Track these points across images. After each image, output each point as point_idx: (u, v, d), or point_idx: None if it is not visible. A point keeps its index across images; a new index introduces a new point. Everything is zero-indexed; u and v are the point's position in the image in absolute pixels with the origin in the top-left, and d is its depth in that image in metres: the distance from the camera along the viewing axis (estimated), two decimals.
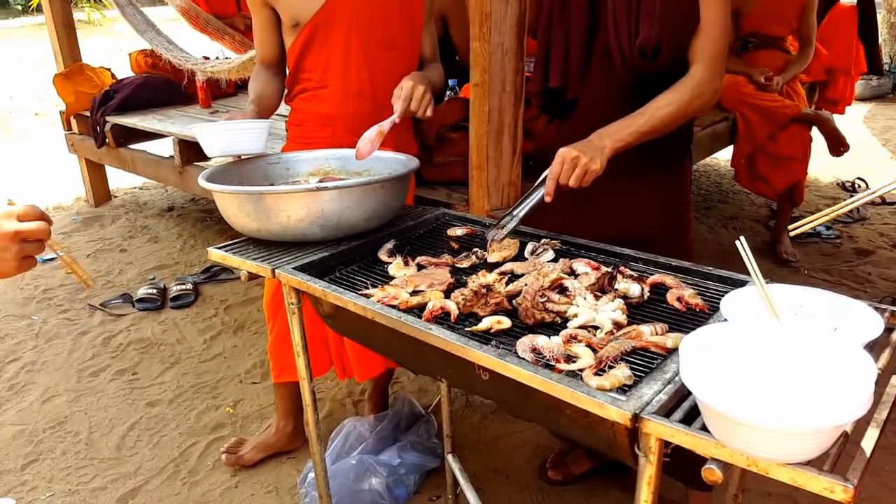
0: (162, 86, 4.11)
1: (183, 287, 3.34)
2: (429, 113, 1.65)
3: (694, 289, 1.19)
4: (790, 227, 0.91)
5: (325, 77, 1.79)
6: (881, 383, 0.85)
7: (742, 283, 1.20)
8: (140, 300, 3.26)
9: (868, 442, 0.77)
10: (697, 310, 1.13)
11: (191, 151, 3.43)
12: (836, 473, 0.71)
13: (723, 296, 1.18)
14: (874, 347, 0.92)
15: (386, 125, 1.58)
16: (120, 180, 5.10)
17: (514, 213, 1.38)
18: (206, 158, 3.50)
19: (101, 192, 4.74)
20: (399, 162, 1.61)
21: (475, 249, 1.41)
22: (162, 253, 3.92)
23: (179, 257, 3.85)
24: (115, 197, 4.91)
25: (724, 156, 4.55)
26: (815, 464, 0.73)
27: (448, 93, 2.69)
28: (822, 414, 0.68)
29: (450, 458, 1.83)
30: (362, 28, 1.75)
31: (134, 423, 2.40)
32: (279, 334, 1.95)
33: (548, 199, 1.36)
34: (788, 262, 3.46)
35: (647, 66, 1.44)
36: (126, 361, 2.80)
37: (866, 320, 0.93)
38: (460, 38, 2.86)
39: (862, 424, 0.78)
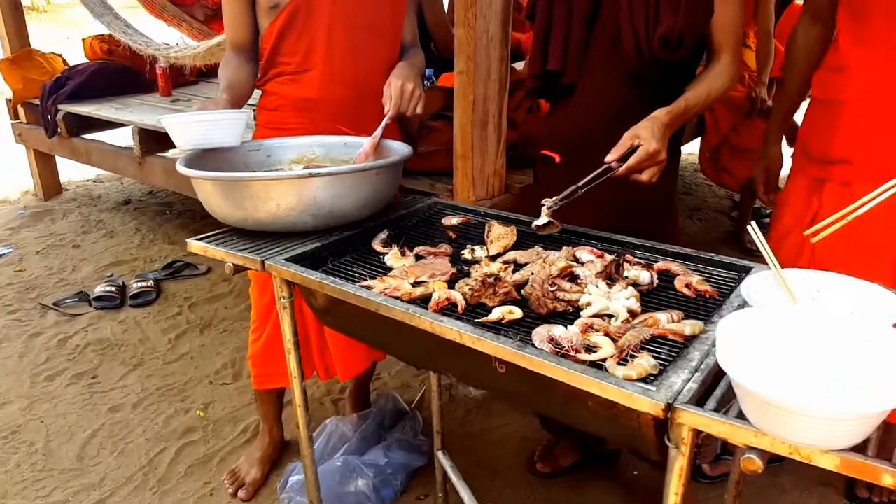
0: (119, 72, 3.91)
1: (144, 284, 3.18)
2: (419, 110, 1.61)
3: (700, 275, 1.18)
4: (806, 232, 0.90)
5: (305, 61, 1.71)
6: None
7: (745, 269, 1.20)
8: (97, 298, 3.08)
9: None
10: (707, 296, 1.12)
11: (151, 141, 3.27)
12: (882, 458, 0.70)
13: (727, 282, 1.18)
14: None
15: (378, 133, 1.54)
16: (71, 172, 4.84)
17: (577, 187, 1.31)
18: (167, 149, 3.35)
19: (50, 184, 4.49)
20: (391, 148, 1.54)
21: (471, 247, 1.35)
22: (119, 248, 3.72)
23: (138, 253, 3.67)
24: (67, 190, 4.65)
25: (684, 149, 4.61)
26: (857, 449, 0.71)
27: (425, 83, 2.63)
28: (870, 399, 0.66)
29: (440, 454, 1.78)
30: (345, 10, 1.68)
31: (96, 430, 2.26)
32: (269, 339, 1.82)
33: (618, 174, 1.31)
34: (752, 252, 3.54)
35: (669, 56, 1.45)
36: (84, 364, 2.64)
37: (883, 302, 0.93)
38: (435, 25, 2.81)
39: None
